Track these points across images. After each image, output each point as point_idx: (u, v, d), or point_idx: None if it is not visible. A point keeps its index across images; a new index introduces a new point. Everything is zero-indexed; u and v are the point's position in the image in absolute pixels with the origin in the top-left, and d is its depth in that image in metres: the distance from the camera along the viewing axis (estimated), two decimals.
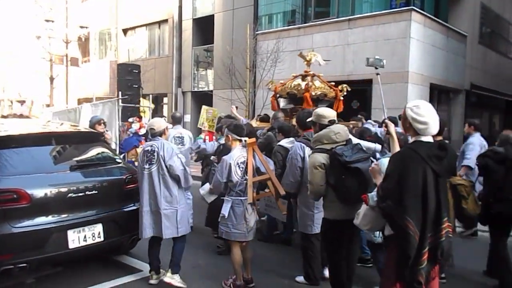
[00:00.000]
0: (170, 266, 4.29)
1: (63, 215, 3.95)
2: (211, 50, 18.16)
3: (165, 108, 20.26)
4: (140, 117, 9.10)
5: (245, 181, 4.04)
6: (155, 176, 4.15)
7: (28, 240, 3.72)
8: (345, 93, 6.91)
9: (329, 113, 3.72)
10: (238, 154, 4.11)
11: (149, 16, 20.36)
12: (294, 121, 5.41)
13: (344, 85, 7.04)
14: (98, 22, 22.54)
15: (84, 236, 4.01)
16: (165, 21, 19.85)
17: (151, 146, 4.24)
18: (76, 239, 3.95)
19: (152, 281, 4.34)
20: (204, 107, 8.99)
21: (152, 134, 4.33)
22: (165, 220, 4.14)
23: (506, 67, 19.75)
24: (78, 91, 23.03)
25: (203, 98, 17.22)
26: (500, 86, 18.51)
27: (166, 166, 4.12)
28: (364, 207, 2.98)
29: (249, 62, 13.23)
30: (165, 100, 20.28)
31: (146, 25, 21.06)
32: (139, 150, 5.95)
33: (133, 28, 21.70)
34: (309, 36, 14.06)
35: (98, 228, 4.13)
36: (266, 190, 4.36)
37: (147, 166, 4.19)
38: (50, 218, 3.87)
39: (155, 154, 4.17)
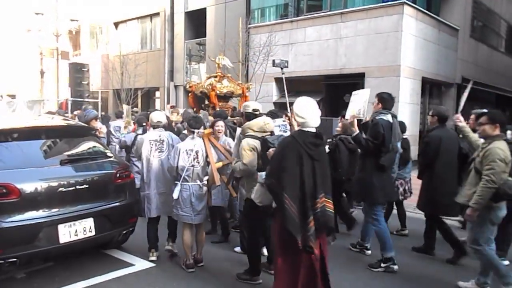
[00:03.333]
0: (170, 237, 4.91)
1: (54, 210, 3.93)
2: (204, 43, 18.07)
3: (157, 102, 20.18)
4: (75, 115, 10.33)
5: (192, 167, 4.43)
6: (165, 162, 4.69)
7: (18, 235, 3.69)
8: (250, 90, 8.48)
9: (252, 104, 4.72)
10: (189, 142, 4.53)
11: (140, 9, 20.19)
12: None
13: (250, 83, 9.15)
14: (89, 15, 22.31)
15: (75, 231, 3.99)
16: (157, 14, 19.70)
17: (159, 136, 4.81)
18: (67, 233, 3.93)
19: (152, 258, 4.72)
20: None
21: (154, 126, 4.89)
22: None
23: (497, 60, 19.88)
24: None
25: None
26: (491, 79, 18.63)
27: None
28: (257, 184, 3.64)
29: (241, 55, 13.18)
30: (157, 94, 20.19)
31: (137, 18, 20.89)
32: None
33: (125, 21, 21.51)
34: (302, 29, 14.04)
35: (89, 222, 4.11)
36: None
37: (157, 154, 4.75)
38: (40, 213, 3.85)
39: (165, 143, 4.79)
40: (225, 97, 7.98)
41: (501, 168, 3.72)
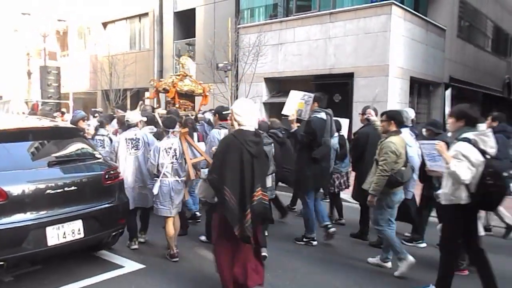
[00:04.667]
0: (142, 229, 5.36)
1: (42, 212, 3.88)
2: (193, 44, 18.01)
3: (147, 102, 20.03)
4: (63, 112, 11.23)
5: (171, 164, 4.72)
6: (141, 159, 5.08)
7: (5, 237, 3.63)
8: (210, 90, 9.25)
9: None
10: (166, 141, 4.85)
11: (129, 10, 20.07)
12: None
13: (210, 84, 9.96)
14: (77, 16, 22.10)
15: (64, 233, 3.95)
16: (146, 14, 19.59)
17: (135, 134, 5.20)
18: (55, 236, 3.89)
19: (134, 246, 5.12)
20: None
21: (129, 125, 5.28)
22: (149, 193, 4.98)
23: (484, 60, 20.14)
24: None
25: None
26: (478, 79, 18.87)
27: (149, 150, 4.94)
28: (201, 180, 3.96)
29: (231, 56, 13.17)
30: (147, 94, 20.05)
31: (126, 18, 20.76)
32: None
33: (113, 21, 21.37)
34: (291, 29, 14.08)
35: (78, 224, 4.07)
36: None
37: (133, 151, 5.13)
38: (28, 215, 3.80)
39: (140, 141, 5.17)
40: (186, 95, 8.58)
41: (392, 159, 4.28)
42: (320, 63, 13.38)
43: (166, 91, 8.49)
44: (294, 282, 4.30)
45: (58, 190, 3.99)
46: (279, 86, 14.95)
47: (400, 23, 12.58)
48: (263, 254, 4.56)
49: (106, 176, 4.48)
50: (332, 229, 5.38)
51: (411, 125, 5.76)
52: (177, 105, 8.22)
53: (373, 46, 12.31)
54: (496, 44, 21.96)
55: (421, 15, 13.97)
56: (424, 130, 5.31)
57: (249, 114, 3.62)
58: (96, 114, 9.68)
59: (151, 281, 4.23)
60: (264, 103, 14.55)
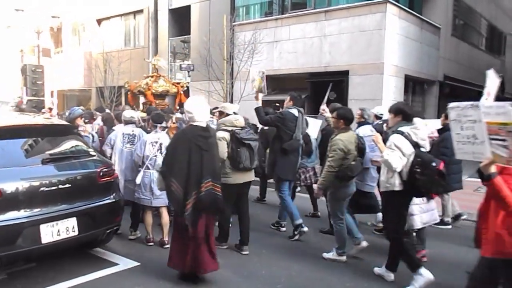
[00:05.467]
0: (132, 226, 5.43)
1: (36, 209, 3.87)
2: (188, 41, 17.96)
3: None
4: (51, 108, 12.02)
5: (154, 157, 4.94)
6: (134, 154, 5.21)
7: None
8: (184, 89, 9.43)
9: (231, 106, 5.45)
10: (153, 135, 5.10)
11: (124, 6, 19.96)
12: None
13: (185, 82, 10.23)
14: (72, 12, 21.95)
15: (58, 231, 3.94)
16: (141, 11, 19.50)
17: (132, 130, 5.54)
18: (49, 233, 3.87)
19: (131, 237, 5.39)
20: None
21: (126, 121, 5.61)
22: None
23: (478, 58, 20.23)
24: (52, 83, 22.43)
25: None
26: (472, 77, 18.96)
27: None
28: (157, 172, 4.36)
29: (226, 53, 13.15)
30: None
31: (121, 15, 20.65)
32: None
33: (108, 18, 21.24)
34: (286, 27, 14.08)
35: (72, 222, 4.06)
36: None
37: (128, 146, 5.44)
38: (22, 213, 3.78)
39: (136, 137, 5.45)
40: (161, 95, 8.93)
41: (339, 156, 4.48)
42: (315, 60, 13.40)
43: (141, 93, 8.84)
44: (290, 279, 4.31)
45: (52, 188, 3.98)
46: (275, 83, 14.95)
47: (395, 21, 12.62)
48: (244, 252, 4.98)
49: (101, 174, 4.47)
50: (282, 229, 5.84)
51: (379, 122, 5.86)
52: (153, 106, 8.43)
53: (368, 44, 12.34)
54: (490, 42, 22.08)
55: (415, 13, 14.02)
56: (384, 125, 5.46)
57: (199, 111, 3.90)
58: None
59: (146, 278, 4.22)
60: None
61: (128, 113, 5.79)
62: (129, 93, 9.14)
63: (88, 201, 4.29)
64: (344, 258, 4.78)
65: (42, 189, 3.91)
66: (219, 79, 13.21)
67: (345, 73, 12.75)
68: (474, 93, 20.74)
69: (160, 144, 4.96)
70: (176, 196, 3.76)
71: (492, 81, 4.01)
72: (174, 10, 18.39)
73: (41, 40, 18.93)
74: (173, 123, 6.12)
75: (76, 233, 4.07)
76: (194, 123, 3.87)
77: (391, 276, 4.24)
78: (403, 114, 4.17)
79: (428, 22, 14.71)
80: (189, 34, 17.57)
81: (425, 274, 3.90)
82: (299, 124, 5.59)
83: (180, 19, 18.17)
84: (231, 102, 13.65)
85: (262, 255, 4.96)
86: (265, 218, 6.47)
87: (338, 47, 12.96)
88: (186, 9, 17.50)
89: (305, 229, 5.49)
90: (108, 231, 4.55)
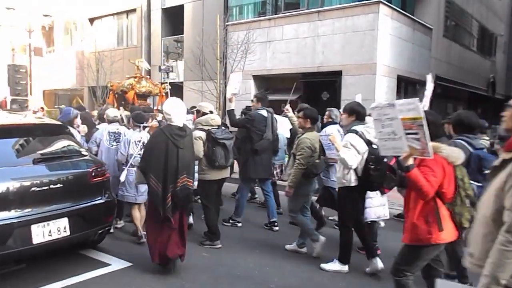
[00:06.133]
0: (117, 216, 5.52)
1: (27, 210, 3.83)
2: (181, 40, 17.90)
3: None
4: (43, 108, 12.75)
5: (138, 155, 5.02)
6: (118, 152, 5.35)
7: None
8: (167, 91, 9.86)
9: (208, 106, 5.70)
10: (136, 134, 5.30)
11: (116, 5, 19.85)
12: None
13: (166, 84, 10.77)
14: (64, 11, 21.80)
15: (49, 231, 3.90)
16: (133, 10, 19.41)
17: (117, 129, 5.76)
18: (40, 234, 3.84)
19: (117, 225, 5.67)
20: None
21: (110, 120, 5.90)
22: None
23: (469, 59, 20.41)
24: (43, 83, 22.27)
25: (173, 90, 17.00)
26: (463, 78, 19.12)
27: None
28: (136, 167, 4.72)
29: (219, 53, 13.13)
30: None
31: (113, 14, 20.54)
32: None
33: (100, 17, 21.12)
34: (280, 27, 14.09)
35: (64, 222, 4.03)
36: None
37: (115, 143, 5.63)
38: (12, 213, 3.74)
39: (121, 135, 5.61)
40: (143, 96, 9.30)
41: (308, 153, 4.69)
42: (308, 61, 13.43)
43: (124, 92, 9.08)
44: (283, 278, 4.32)
45: (44, 188, 3.95)
46: (268, 83, 14.95)
47: (388, 22, 12.68)
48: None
49: (93, 174, 4.45)
50: (275, 229, 5.93)
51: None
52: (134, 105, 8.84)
53: (360, 45, 12.39)
54: (481, 43, 22.28)
55: (408, 14, 14.10)
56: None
57: (176, 112, 4.18)
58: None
59: (138, 279, 4.21)
60: (252, 100, 14.55)
61: (111, 112, 6.08)
62: (111, 92, 9.45)
63: (80, 201, 4.26)
64: (304, 250, 5.04)
65: (33, 189, 3.87)
66: (212, 79, 13.18)
67: (338, 73, 12.79)
68: (465, 94, 20.95)
69: (143, 143, 5.09)
70: (154, 190, 4.05)
71: (430, 85, 4.48)
72: (167, 10, 18.34)
73: (32, 39, 18.77)
74: (158, 121, 6.32)
75: (68, 233, 4.04)
76: (172, 124, 4.15)
77: (345, 268, 4.47)
78: (356, 114, 4.40)
79: (420, 23, 14.80)
80: (182, 33, 17.53)
81: (377, 262, 4.36)
82: (268, 124, 5.91)
83: (173, 19, 18.12)
84: (224, 102, 13.66)
85: (255, 255, 4.97)
86: (258, 219, 6.48)
87: (331, 48, 13.00)
88: (179, 9, 17.46)
89: (239, 224, 6.06)
90: (100, 232, 4.52)
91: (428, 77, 4.37)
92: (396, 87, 13.67)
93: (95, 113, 9.50)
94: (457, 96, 20.15)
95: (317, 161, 4.81)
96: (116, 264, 4.55)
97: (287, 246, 5.16)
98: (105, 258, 4.72)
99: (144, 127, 5.47)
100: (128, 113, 7.29)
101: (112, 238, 5.20)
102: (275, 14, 14.74)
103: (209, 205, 5.23)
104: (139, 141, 5.18)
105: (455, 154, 2.96)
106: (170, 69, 9.16)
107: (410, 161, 2.78)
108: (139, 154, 5.01)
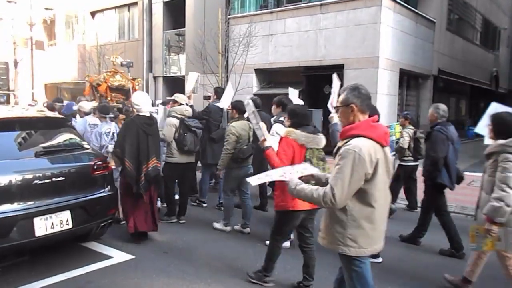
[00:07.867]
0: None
1: (29, 202, 3.84)
2: (183, 34, 17.86)
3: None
4: (36, 101, 13.17)
5: (110, 145, 5.49)
6: (91, 143, 5.53)
7: None
8: (139, 85, 10.46)
9: (183, 98, 6.21)
10: (105, 126, 5.83)
11: None
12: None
13: (139, 78, 11.95)
14: (65, 4, 21.74)
15: (52, 224, 3.92)
16: (135, 3, 19.35)
17: (95, 120, 6.16)
18: (43, 226, 3.86)
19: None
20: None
21: (86, 113, 6.49)
22: None
23: (472, 53, 20.31)
24: (45, 76, 22.26)
25: (175, 83, 17.00)
26: (466, 71, 19.03)
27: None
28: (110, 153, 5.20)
29: (221, 46, 13.09)
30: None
31: (115, 7, 20.47)
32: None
33: (101, 10, 21.06)
34: (282, 20, 14.03)
35: (66, 215, 4.04)
36: None
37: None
38: (15, 206, 3.76)
39: (98, 126, 5.97)
40: (117, 89, 9.83)
41: (232, 139, 5.26)
42: (311, 54, 13.38)
43: (98, 85, 9.63)
44: (284, 271, 4.32)
45: (46, 181, 3.96)
46: (269, 77, 14.92)
47: (390, 15, 12.61)
48: (182, 221, 5.89)
49: (95, 167, 4.46)
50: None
51: None
52: (109, 98, 9.42)
53: (363, 38, 12.33)
54: (484, 37, 22.15)
55: (411, 7, 14.01)
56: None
57: (145, 103, 4.86)
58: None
59: (140, 271, 4.23)
60: (254, 94, 14.53)
61: (86, 104, 6.70)
62: (87, 86, 9.94)
63: (82, 194, 4.27)
64: (228, 228, 5.55)
65: (35, 182, 3.89)
66: (214, 73, 13.15)
67: (340, 67, 12.74)
68: (468, 88, 20.86)
69: (113, 134, 5.71)
70: (129, 171, 4.69)
71: (336, 82, 4.93)
72: (168, 3, 18.27)
73: (34, 33, 18.75)
74: (127, 111, 6.72)
75: (70, 226, 4.06)
76: (141, 114, 4.82)
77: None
78: (282, 105, 5.28)
79: (423, 16, 14.71)
80: (184, 27, 17.47)
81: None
82: (224, 115, 6.56)
83: (175, 12, 18.06)
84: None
85: (257, 248, 4.98)
86: (268, 214, 6.51)
87: (333, 41, 12.94)
88: (181, 2, 17.39)
89: (205, 205, 6.75)
90: (102, 224, 4.54)
91: (334, 76, 4.70)
92: (399, 80, 13.63)
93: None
94: (460, 90, 20.07)
95: (244, 147, 5.32)
96: (119, 257, 4.57)
97: (215, 224, 5.66)
98: (108, 251, 4.74)
99: (111, 118, 6.01)
100: (96, 104, 7.66)
101: (114, 231, 5.22)
102: (277, 7, 14.66)
103: (169, 185, 5.91)
104: (109, 132, 5.74)
105: (303, 138, 3.62)
106: (131, 64, 9.73)
107: (266, 144, 3.60)
108: (111, 144, 5.49)
